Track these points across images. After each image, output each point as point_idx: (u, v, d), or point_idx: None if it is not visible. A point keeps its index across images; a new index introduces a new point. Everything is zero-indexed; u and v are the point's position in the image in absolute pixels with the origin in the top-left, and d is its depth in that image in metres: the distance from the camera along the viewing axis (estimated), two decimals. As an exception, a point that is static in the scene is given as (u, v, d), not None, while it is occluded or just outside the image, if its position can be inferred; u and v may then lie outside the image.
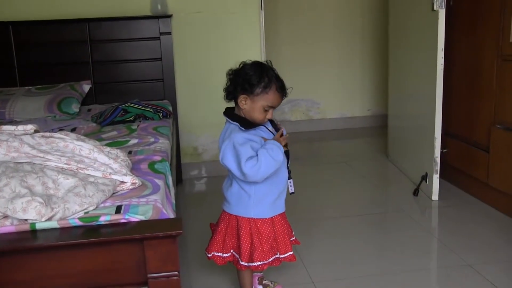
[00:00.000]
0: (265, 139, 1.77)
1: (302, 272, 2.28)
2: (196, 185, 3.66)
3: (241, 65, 1.79)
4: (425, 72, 3.06)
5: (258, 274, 2.09)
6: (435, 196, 3.06)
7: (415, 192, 3.18)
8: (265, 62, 1.81)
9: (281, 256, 1.89)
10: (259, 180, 1.75)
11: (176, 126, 3.50)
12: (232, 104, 1.86)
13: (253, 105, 1.76)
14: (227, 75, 1.82)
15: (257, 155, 1.71)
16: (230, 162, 1.75)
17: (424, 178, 3.15)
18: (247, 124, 1.77)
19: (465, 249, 2.44)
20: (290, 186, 1.90)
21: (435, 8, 2.84)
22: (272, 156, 1.70)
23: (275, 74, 1.78)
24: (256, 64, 1.78)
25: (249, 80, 1.74)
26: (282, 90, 1.78)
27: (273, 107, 1.78)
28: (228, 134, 1.78)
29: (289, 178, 1.90)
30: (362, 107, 5.25)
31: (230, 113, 1.84)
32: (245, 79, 1.74)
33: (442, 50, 2.86)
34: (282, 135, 1.84)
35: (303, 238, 2.53)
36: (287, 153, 1.85)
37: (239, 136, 1.74)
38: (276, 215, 1.88)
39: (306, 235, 2.60)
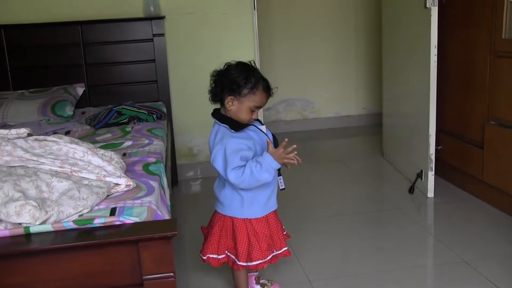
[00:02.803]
0: (269, 144, 1.71)
1: (299, 271, 2.28)
2: (192, 186, 3.66)
3: (226, 66, 1.79)
4: (419, 69, 3.07)
5: (254, 273, 2.10)
6: (430, 193, 3.06)
7: (411, 190, 3.19)
8: (248, 63, 1.80)
9: (277, 253, 1.90)
10: (244, 188, 1.77)
11: (171, 127, 3.50)
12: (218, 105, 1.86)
13: (240, 106, 1.76)
14: (211, 76, 1.81)
15: (245, 165, 1.71)
16: (220, 166, 1.77)
17: (419, 175, 3.15)
18: (237, 125, 1.77)
19: (461, 245, 2.44)
20: (280, 182, 1.90)
21: (427, 5, 2.85)
22: (256, 176, 1.69)
23: (260, 74, 1.78)
24: (242, 65, 1.77)
25: (236, 81, 1.73)
26: (268, 90, 1.78)
27: (260, 107, 1.79)
28: (220, 138, 1.77)
29: (279, 175, 1.90)
30: (356, 106, 5.26)
31: (218, 115, 1.83)
32: (231, 81, 1.73)
33: (435, 47, 2.87)
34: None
35: (299, 237, 2.53)
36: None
37: (231, 143, 1.73)
38: (270, 213, 1.90)
39: (302, 234, 2.60)
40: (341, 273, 2.26)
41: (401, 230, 2.67)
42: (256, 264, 1.83)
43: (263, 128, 1.87)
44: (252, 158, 1.73)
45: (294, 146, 1.69)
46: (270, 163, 1.68)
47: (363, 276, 2.23)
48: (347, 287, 2.15)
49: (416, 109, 3.19)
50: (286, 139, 1.69)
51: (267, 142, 1.70)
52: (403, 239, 2.56)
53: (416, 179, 3.19)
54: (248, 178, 1.69)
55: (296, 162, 1.73)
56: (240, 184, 1.72)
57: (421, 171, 3.13)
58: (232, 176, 1.71)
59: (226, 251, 1.89)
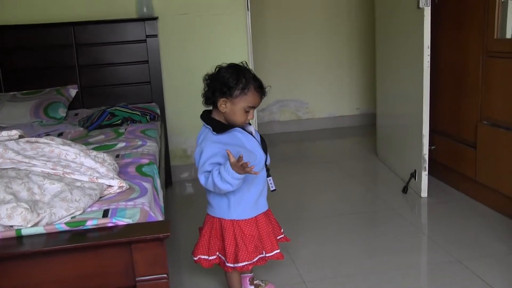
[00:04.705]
0: (230, 155, 1.66)
1: (293, 272, 2.28)
2: (186, 187, 3.65)
3: (217, 69, 1.79)
4: (412, 70, 3.08)
5: (249, 274, 2.09)
6: (424, 193, 3.07)
7: (404, 190, 3.19)
8: (240, 64, 1.80)
9: (268, 255, 1.89)
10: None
11: (165, 128, 3.49)
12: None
13: (233, 108, 1.75)
14: (203, 80, 1.80)
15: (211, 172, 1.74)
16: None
17: (413, 175, 3.16)
18: (220, 128, 1.77)
19: (454, 245, 2.45)
20: (270, 183, 1.90)
21: (420, 6, 2.86)
22: (217, 186, 1.70)
23: (251, 74, 1.78)
24: (232, 66, 1.78)
25: (227, 83, 1.73)
26: (260, 90, 1.78)
27: (254, 107, 1.78)
28: (201, 141, 1.79)
29: (268, 176, 1.90)
30: (350, 106, 5.27)
31: (206, 116, 1.83)
32: (222, 83, 1.73)
33: (428, 47, 2.88)
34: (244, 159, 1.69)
35: (293, 238, 2.53)
36: (264, 150, 1.86)
37: (207, 147, 1.74)
38: (259, 215, 1.89)
39: (296, 235, 2.60)
40: (335, 273, 2.26)
41: (395, 230, 2.68)
42: (242, 265, 1.82)
43: (251, 129, 1.87)
44: (221, 165, 1.71)
45: (248, 162, 1.64)
46: (230, 174, 1.66)
47: (357, 276, 2.23)
48: (342, 287, 2.15)
49: (409, 109, 3.20)
50: (241, 154, 1.65)
51: (227, 153, 1.66)
52: (397, 239, 2.56)
53: (409, 179, 3.19)
54: (212, 185, 1.73)
55: (255, 173, 1.71)
56: (208, 188, 1.77)
57: (415, 171, 3.14)
58: (201, 180, 1.76)
59: (217, 253, 1.89)
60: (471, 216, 2.80)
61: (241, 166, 1.63)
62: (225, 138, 1.76)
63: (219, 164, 1.72)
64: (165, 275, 1.34)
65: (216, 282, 2.22)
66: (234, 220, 1.83)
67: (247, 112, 1.77)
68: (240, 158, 1.63)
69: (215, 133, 1.76)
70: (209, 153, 1.73)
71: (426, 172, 3.04)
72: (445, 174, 3.28)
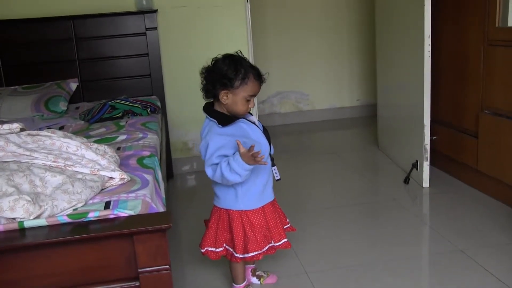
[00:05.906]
0: (240, 145, 1.69)
1: (295, 263, 2.29)
2: (188, 180, 3.66)
3: (213, 61, 1.80)
4: (413, 60, 3.07)
5: (251, 266, 2.10)
6: (425, 184, 3.07)
7: (406, 180, 3.19)
8: (235, 54, 1.80)
9: (276, 244, 1.90)
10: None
11: (165, 121, 3.49)
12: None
13: (234, 98, 1.76)
14: (200, 74, 1.81)
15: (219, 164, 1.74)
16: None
17: (414, 166, 3.16)
18: (225, 120, 1.78)
19: (457, 234, 2.45)
20: (275, 173, 1.91)
21: (420, -5, 2.84)
22: (225, 177, 1.72)
23: (248, 63, 1.79)
24: (228, 57, 1.78)
25: (226, 74, 1.74)
26: (259, 77, 1.79)
27: (254, 96, 1.79)
28: (206, 133, 1.80)
29: (273, 165, 1.90)
30: (351, 98, 5.26)
31: (209, 109, 1.84)
32: (222, 75, 1.74)
33: (428, 37, 2.86)
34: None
35: (296, 229, 2.54)
36: (268, 139, 1.87)
37: (213, 140, 1.75)
38: (266, 204, 1.90)
39: (298, 226, 2.59)
40: (337, 264, 2.26)
41: (397, 220, 2.68)
42: (252, 255, 1.84)
43: (254, 119, 1.88)
44: (230, 156, 1.72)
45: (259, 151, 1.67)
46: (240, 165, 1.67)
47: (360, 267, 2.23)
48: (344, 278, 2.16)
49: (410, 99, 3.19)
50: (253, 144, 1.67)
51: (237, 143, 1.68)
52: (399, 230, 2.57)
53: (411, 170, 3.19)
54: (219, 177, 1.74)
55: (264, 163, 1.73)
56: (215, 180, 1.79)
57: (416, 162, 3.13)
58: (208, 173, 1.77)
59: (225, 244, 1.89)
60: (472, 205, 2.80)
61: (251, 156, 1.64)
62: (230, 130, 1.77)
63: (226, 156, 1.73)
64: (167, 266, 1.34)
65: (218, 274, 2.23)
66: (242, 210, 1.84)
67: (248, 101, 1.78)
68: (251, 148, 1.64)
69: (220, 126, 1.76)
70: (216, 145, 1.74)
71: (428, 163, 3.04)
72: (447, 164, 3.27)
